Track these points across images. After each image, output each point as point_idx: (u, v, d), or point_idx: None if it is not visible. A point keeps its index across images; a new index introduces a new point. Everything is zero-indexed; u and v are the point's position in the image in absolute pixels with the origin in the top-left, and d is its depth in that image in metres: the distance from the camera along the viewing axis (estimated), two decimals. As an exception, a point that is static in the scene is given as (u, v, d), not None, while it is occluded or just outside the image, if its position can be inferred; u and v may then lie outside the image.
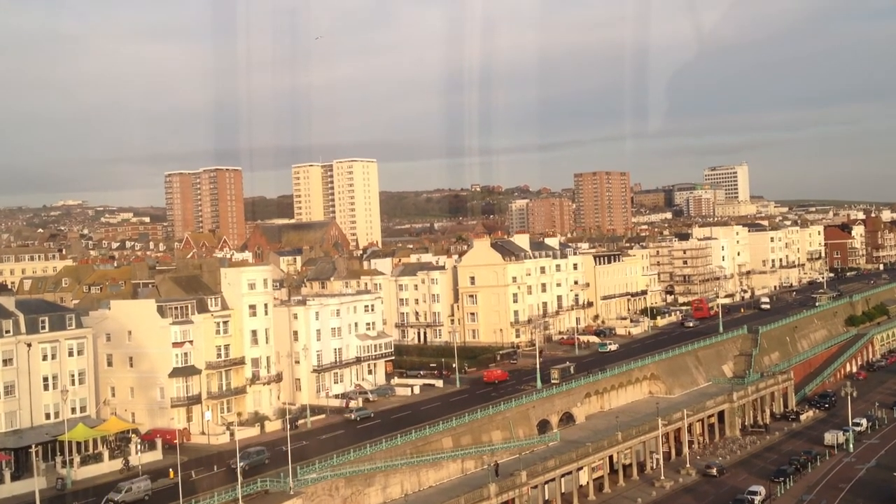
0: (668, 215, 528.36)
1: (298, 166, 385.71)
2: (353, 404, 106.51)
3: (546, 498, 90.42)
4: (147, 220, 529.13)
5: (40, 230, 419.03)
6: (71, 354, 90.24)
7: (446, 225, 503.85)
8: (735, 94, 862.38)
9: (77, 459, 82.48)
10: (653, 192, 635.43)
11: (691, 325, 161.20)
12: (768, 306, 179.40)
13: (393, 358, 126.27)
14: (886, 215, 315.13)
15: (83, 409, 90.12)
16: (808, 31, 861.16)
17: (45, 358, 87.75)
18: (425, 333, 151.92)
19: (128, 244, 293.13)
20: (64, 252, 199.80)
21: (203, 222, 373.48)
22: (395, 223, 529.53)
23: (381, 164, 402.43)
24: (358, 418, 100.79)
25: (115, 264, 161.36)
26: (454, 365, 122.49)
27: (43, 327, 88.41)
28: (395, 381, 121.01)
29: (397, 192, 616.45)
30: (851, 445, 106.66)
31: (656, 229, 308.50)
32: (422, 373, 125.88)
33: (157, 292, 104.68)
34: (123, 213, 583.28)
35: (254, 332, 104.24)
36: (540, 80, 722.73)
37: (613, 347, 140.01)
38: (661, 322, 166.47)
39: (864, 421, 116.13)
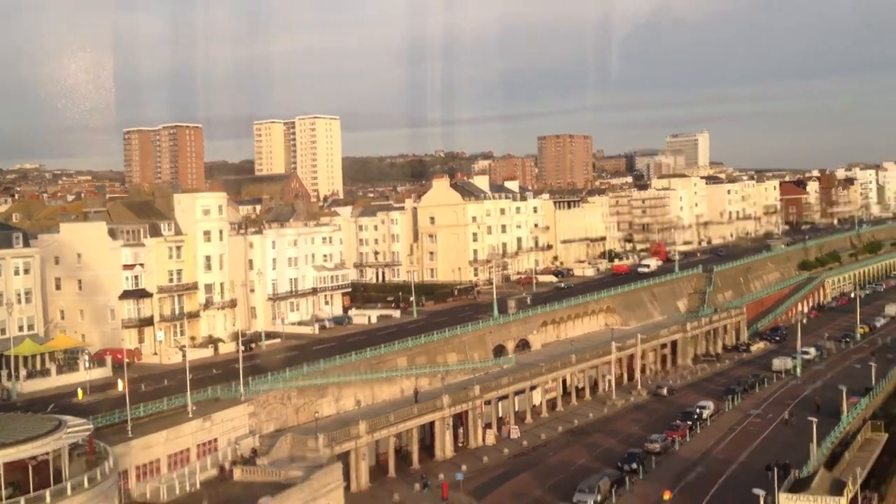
0: (629, 179, 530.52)
1: (260, 123, 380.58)
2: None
3: (500, 415, 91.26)
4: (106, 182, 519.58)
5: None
6: (17, 273, 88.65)
7: (410, 188, 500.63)
8: (697, 68, 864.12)
9: (23, 373, 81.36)
10: (615, 158, 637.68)
11: (650, 267, 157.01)
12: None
13: (350, 290, 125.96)
14: (841, 174, 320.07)
15: (31, 327, 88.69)
16: (769, 7, 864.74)
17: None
18: (384, 273, 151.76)
19: (83, 196, 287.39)
20: (17, 198, 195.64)
21: (162, 179, 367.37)
22: (358, 187, 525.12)
23: (345, 133, 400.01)
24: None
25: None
26: (412, 298, 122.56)
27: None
28: (353, 311, 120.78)
29: (361, 158, 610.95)
30: (799, 370, 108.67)
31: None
32: (379, 305, 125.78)
33: (109, 217, 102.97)
34: (82, 177, 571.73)
35: (207, 258, 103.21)
36: (504, 51, 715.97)
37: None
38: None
39: (812, 350, 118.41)
